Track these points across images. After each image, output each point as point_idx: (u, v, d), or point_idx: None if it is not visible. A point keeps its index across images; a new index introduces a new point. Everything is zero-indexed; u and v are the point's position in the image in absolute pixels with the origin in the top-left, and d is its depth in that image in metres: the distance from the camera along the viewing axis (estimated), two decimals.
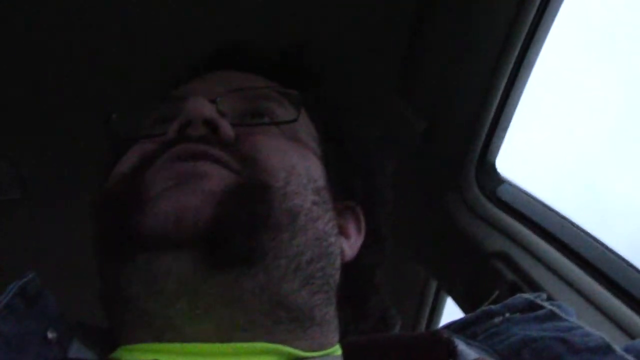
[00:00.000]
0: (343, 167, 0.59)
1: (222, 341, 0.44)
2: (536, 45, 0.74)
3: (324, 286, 0.50)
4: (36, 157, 0.98)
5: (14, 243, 1.09)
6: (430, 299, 1.19)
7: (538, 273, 0.83)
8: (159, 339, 0.44)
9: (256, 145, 0.51)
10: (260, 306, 0.45)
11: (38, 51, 0.80)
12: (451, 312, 1.16)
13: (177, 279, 0.44)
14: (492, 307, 0.51)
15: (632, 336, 0.69)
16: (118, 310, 0.48)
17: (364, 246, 0.58)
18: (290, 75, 0.61)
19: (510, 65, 0.75)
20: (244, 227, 0.45)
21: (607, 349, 0.42)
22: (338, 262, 0.53)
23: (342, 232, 0.56)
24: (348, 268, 0.54)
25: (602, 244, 0.82)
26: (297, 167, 0.51)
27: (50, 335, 0.43)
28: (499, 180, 0.93)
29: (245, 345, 0.44)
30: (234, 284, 0.44)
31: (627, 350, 0.42)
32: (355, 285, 0.55)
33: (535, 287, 0.81)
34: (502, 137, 0.87)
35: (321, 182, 0.54)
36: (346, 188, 0.58)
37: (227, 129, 0.52)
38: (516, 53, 0.73)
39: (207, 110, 0.51)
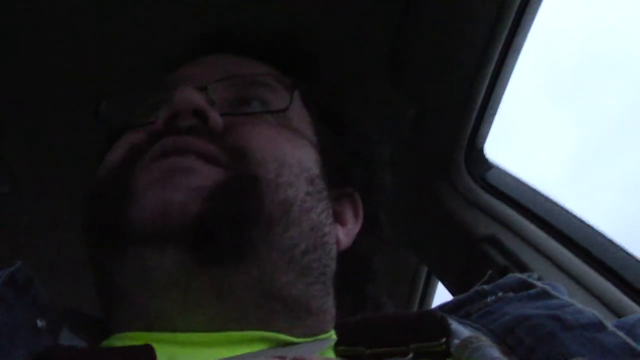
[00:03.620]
0: (340, 153, 0.58)
1: (214, 331, 0.44)
2: (523, 31, 0.74)
3: (320, 277, 0.50)
4: (26, 151, 0.97)
5: (2, 237, 1.08)
6: (421, 285, 1.20)
7: (528, 256, 0.84)
8: (151, 328, 0.44)
9: (246, 135, 0.50)
10: (253, 299, 0.45)
11: (27, 46, 0.79)
12: (442, 298, 1.17)
13: (166, 272, 0.43)
14: (485, 286, 0.52)
15: (621, 317, 0.70)
16: (110, 300, 0.48)
17: (362, 233, 0.57)
18: (285, 60, 0.60)
19: (498, 50, 0.75)
20: (231, 223, 0.44)
21: (599, 325, 0.42)
22: (334, 252, 0.53)
23: (338, 219, 0.55)
24: (344, 256, 0.54)
25: (591, 227, 0.82)
26: (289, 156, 0.50)
27: (40, 323, 0.43)
28: (488, 165, 0.93)
29: (238, 334, 0.44)
30: (223, 278, 0.44)
31: (617, 326, 0.43)
32: (352, 273, 0.55)
33: (526, 270, 0.81)
34: (490, 123, 0.88)
35: (315, 170, 0.53)
36: (343, 175, 0.57)
37: (216, 119, 0.50)
38: (504, 38, 0.73)
39: (196, 99, 0.50)
